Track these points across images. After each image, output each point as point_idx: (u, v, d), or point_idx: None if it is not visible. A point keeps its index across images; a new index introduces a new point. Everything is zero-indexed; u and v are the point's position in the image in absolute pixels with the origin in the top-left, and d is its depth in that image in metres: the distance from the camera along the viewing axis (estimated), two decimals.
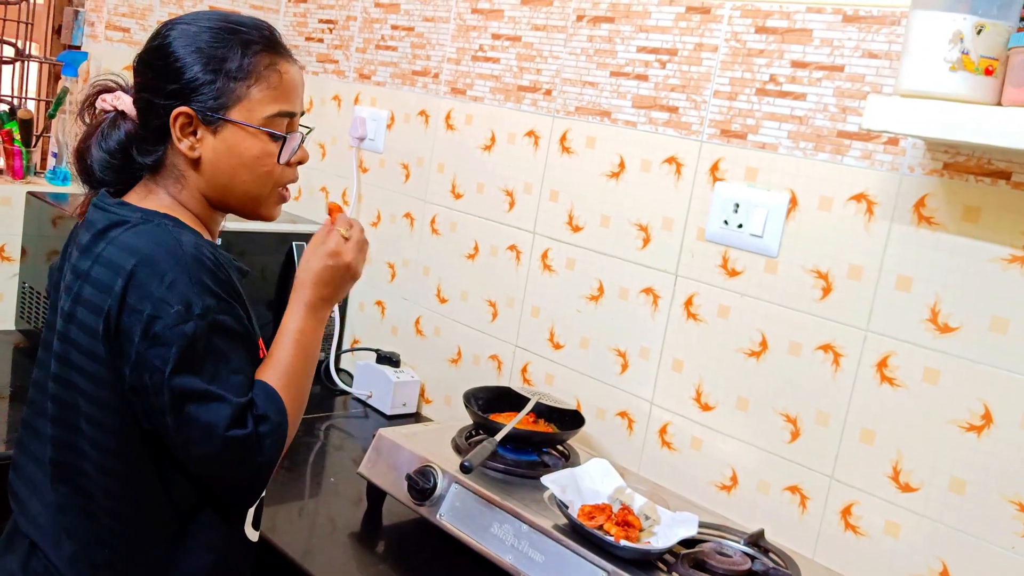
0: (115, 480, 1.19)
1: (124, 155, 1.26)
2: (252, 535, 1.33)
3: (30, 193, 2.32)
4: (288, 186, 1.31)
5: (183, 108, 1.20)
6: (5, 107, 2.47)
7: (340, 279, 1.30)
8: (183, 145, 1.22)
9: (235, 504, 1.27)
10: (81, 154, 1.28)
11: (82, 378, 1.17)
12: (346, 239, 1.30)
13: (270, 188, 1.28)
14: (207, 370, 1.13)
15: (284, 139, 1.25)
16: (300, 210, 2.60)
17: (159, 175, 1.25)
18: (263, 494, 1.31)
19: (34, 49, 2.59)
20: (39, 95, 2.61)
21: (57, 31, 2.59)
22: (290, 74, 1.26)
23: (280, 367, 1.22)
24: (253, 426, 1.14)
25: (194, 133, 1.22)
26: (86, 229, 1.22)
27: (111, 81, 1.31)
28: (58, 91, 2.44)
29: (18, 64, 2.53)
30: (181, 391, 1.12)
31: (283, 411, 1.18)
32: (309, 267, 1.28)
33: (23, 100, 2.56)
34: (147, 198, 1.25)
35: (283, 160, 1.26)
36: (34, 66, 2.58)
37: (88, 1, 2.49)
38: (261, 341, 1.27)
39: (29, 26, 2.54)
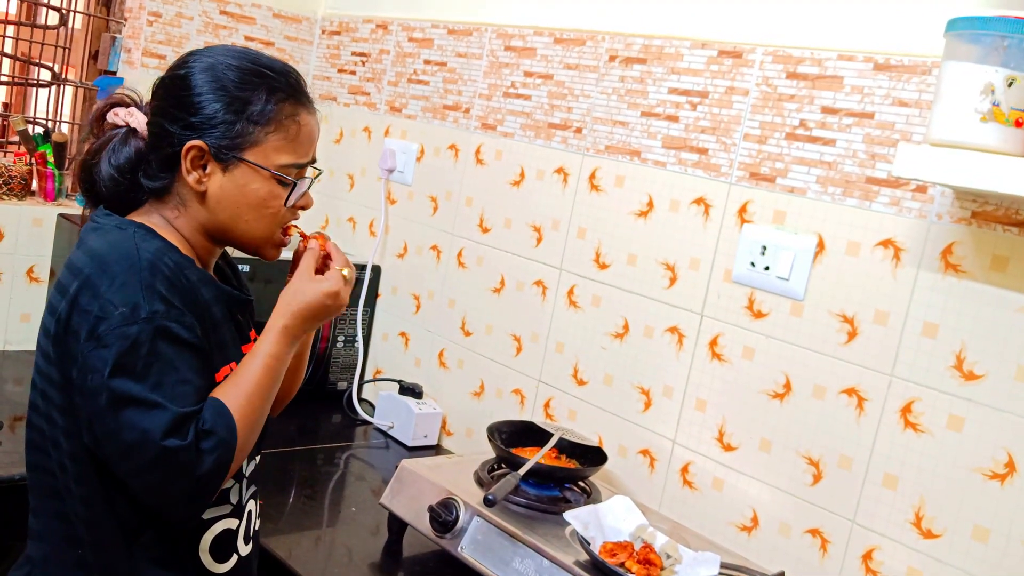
0: (75, 482, 1.18)
1: (131, 174, 1.24)
2: (214, 567, 1.27)
3: (61, 215, 2.36)
4: (288, 233, 1.32)
5: (197, 142, 1.20)
6: (40, 130, 2.52)
7: (326, 316, 1.29)
8: (191, 177, 1.22)
9: (175, 521, 1.22)
10: (87, 167, 1.27)
11: (41, 379, 1.20)
12: (346, 281, 1.30)
13: (273, 230, 1.28)
14: (149, 376, 1.10)
15: (294, 185, 1.26)
16: None
17: (161, 201, 1.25)
18: (231, 527, 1.28)
19: (71, 74, 2.64)
20: (73, 119, 2.66)
21: (94, 56, 2.64)
22: (309, 126, 1.27)
23: (243, 387, 1.18)
24: (193, 439, 1.11)
25: (204, 167, 1.22)
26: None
27: (126, 96, 1.30)
28: (92, 113, 2.47)
29: (54, 88, 2.58)
30: (119, 395, 1.10)
31: (232, 429, 1.14)
32: (301, 298, 1.25)
33: (58, 123, 2.61)
34: (141, 217, 1.24)
35: (289, 204, 1.27)
36: (69, 90, 2.63)
37: (126, 28, 2.54)
38: (234, 365, 1.25)
39: (67, 51, 2.59)
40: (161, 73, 1.29)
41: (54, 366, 1.17)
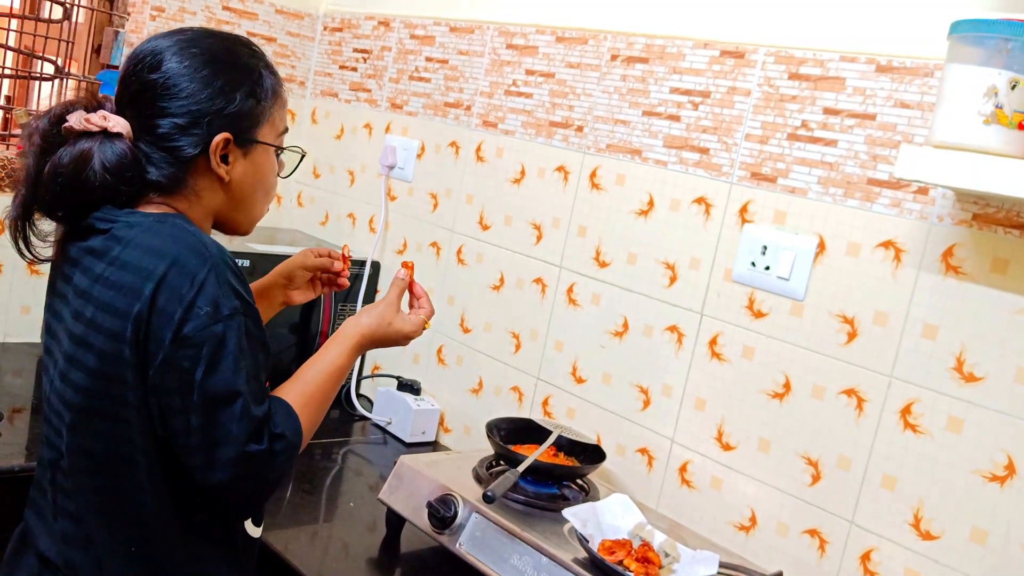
0: (136, 481, 1.18)
1: (128, 173, 1.19)
2: (253, 531, 1.32)
3: None
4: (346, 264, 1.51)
5: (224, 135, 1.21)
6: None
7: (389, 346, 1.39)
8: (221, 170, 1.22)
9: (234, 512, 1.27)
10: (69, 173, 1.18)
11: (101, 383, 1.16)
12: (425, 328, 1.40)
13: (270, 203, 1.34)
14: (238, 375, 1.13)
15: (281, 151, 1.32)
16: (326, 235, 2.63)
17: (169, 194, 1.23)
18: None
19: (73, 67, 2.64)
20: None
21: (97, 50, 2.64)
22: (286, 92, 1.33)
23: (310, 392, 1.23)
24: (268, 443, 1.15)
25: (224, 156, 1.23)
26: (96, 239, 1.19)
27: (87, 98, 1.25)
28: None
29: (57, 81, 2.58)
30: (211, 393, 1.12)
31: (300, 433, 1.19)
32: (383, 328, 1.35)
33: None
34: (153, 209, 1.23)
35: (284, 174, 1.32)
36: (72, 84, 2.63)
37: (128, 22, 2.54)
38: None
39: (70, 45, 2.58)
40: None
41: (128, 369, 1.14)
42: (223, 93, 1.21)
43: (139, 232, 1.17)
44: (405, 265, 1.44)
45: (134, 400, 1.15)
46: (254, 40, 1.32)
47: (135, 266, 1.14)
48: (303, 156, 1.35)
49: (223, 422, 1.12)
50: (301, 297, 1.58)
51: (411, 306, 1.45)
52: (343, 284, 1.59)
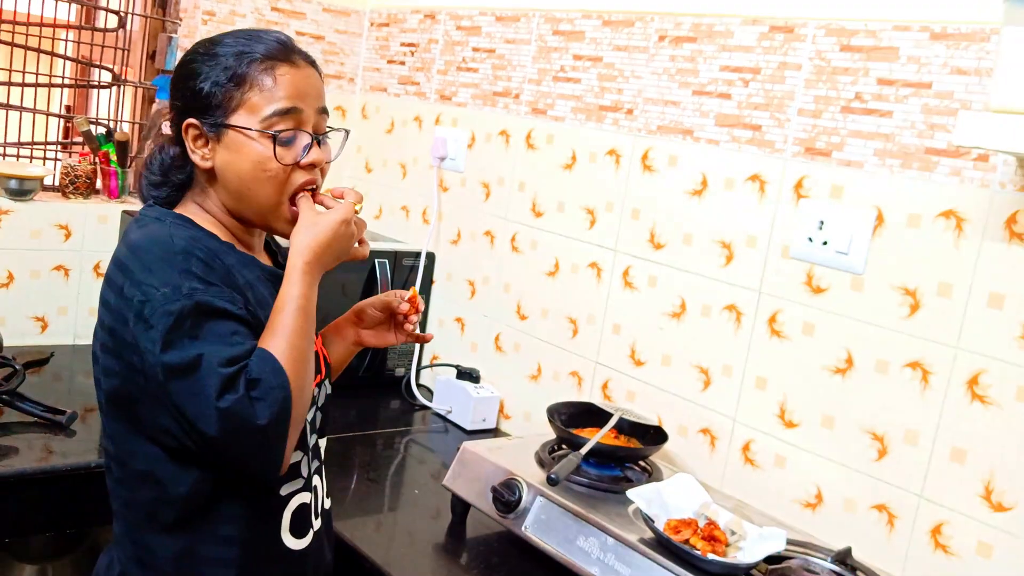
0: (121, 466, 1.25)
1: (166, 174, 1.31)
2: (293, 543, 1.30)
3: (125, 212, 2.42)
4: (296, 206, 1.27)
5: (190, 120, 1.25)
6: (102, 130, 2.58)
7: (342, 245, 1.27)
8: (196, 156, 1.26)
9: (256, 482, 1.24)
10: (140, 174, 1.35)
11: (96, 368, 1.25)
12: (355, 208, 1.29)
13: (279, 196, 1.26)
14: (195, 346, 1.13)
15: (288, 141, 1.24)
16: (381, 228, 2.65)
17: (191, 189, 1.31)
18: (305, 501, 1.31)
19: (130, 74, 2.69)
20: (134, 118, 2.72)
21: (151, 57, 2.69)
22: (288, 76, 1.25)
23: (280, 332, 1.18)
24: (244, 390, 1.12)
25: (206, 144, 1.26)
26: None
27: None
28: (151, 114, 2.53)
29: (114, 88, 2.64)
30: (170, 367, 1.12)
31: (279, 372, 1.14)
32: (312, 231, 1.24)
33: (119, 123, 2.67)
34: (179, 207, 1.31)
35: (285, 160, 1.24)
36: (129, 90, 2.69)
37: (181, 27, 2.59)
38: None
39: (125, 52, 2.64)
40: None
41: (112, 356, 1.20)
42: (191, 80, 1.26)
43: (134, 228, 1.26)
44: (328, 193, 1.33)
45: (105, 386, 1.23)
46: (301, 39, 1.34)
47: (115, 259, 1.22)
48: (315, 139, 1.27)
49: (193, 388, 1.12)
50: (374, 339, 1.52)
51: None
52: (410, 331, 1.50)
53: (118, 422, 1.24)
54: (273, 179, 1.25)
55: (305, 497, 1.31)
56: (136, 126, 2.69)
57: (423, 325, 2.50)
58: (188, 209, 1.30)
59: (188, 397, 1.13)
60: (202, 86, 1.24)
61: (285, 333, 1.19)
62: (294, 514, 1.30)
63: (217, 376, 1.11)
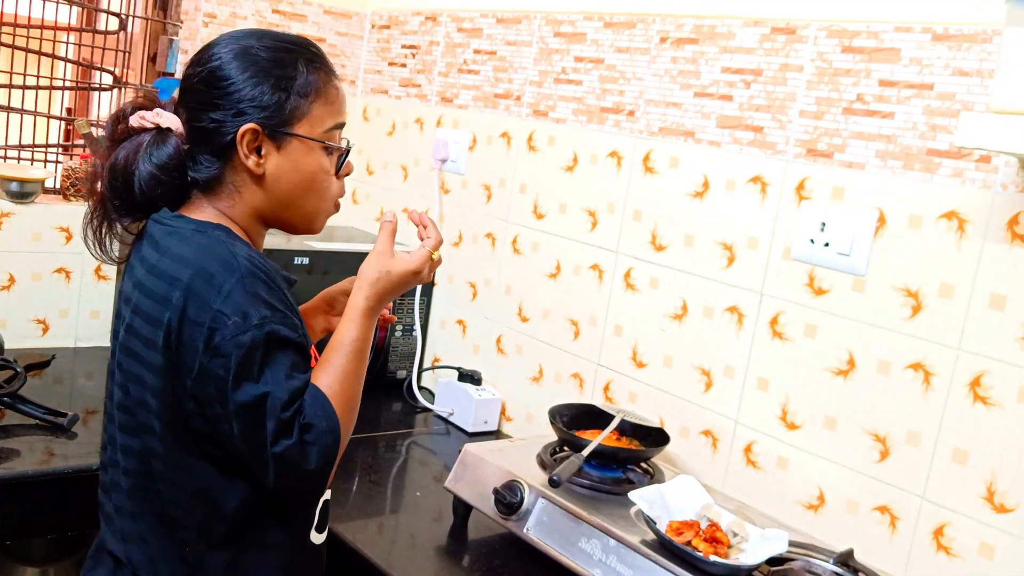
0: (173, 486, 1.21)
1: (175, 171, 1.25)
2: (317, 538, 1.33)
3: None
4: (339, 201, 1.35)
5: (251, 125, 1.22)
6: (103, 132, 2.58)
7: (405, 290, 1.32)
8: (250, 162, 1.23)
9: (297, 504, 1.28)
10: (122, 172, 1.25)
11: (138, 386, 1.20)
12: (433, 262, 1.33)
13: (328, 203, 1.32)
14: (262, 382, 1.14)
15: (342, 151, 1.30)
16: None
17: (210, 192, 1.26)
18: (327, 497, 1.34)
19: (131, 77, 2.70)
20: None
21: (153, 59, 2.70)
22: (340, 89, 1.31)
23: (336, 373, 1.21)
24: (298, 435, 1.14)
25: (258, 149, 1.24)
26: (147, 243, 1.25)
27: (144, 98, 1.30)
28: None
29: (116, 91, 2.64)
30: (240, 401, 1.13)
31: (331, 416, 1.17)
32: (383, 279, 1.27)
33: None
34: (195, 213, 1.26)
35: (340, 173, 1.31)
36: (130, 93, 2.69)
37: (182, 30, 2.59)
38: (314, 349, 1.29)
39: (126, 55, 2.64)
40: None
41: (159, 376, 1.17)
42: (252, 85, 1.22)
43: (176, 240, 1.21)
44: (407, 212, 1.38)
45: (156, 407, 1.19)
46: None
47: (166, 274, 1.17)
48: (348, 151, 1.32)
49: (256, 426, 1.14)
50: None
51: (420, 238, 1.36)
52: (387, 317, 1.49)
53: (176, 440, 1.21)
54: (327, 189, 1.30)
55: (328, 494, 1.35)
56: None
57: (424, 326, 2.50)
58: (207, 214, 1.26)
59: (247, 436, 1.15)
60: (261, 90, 1.22)
61: (340, 376, 1.21)
62: (320, 511, 1.34)
63: (276, 421, 1.14)
